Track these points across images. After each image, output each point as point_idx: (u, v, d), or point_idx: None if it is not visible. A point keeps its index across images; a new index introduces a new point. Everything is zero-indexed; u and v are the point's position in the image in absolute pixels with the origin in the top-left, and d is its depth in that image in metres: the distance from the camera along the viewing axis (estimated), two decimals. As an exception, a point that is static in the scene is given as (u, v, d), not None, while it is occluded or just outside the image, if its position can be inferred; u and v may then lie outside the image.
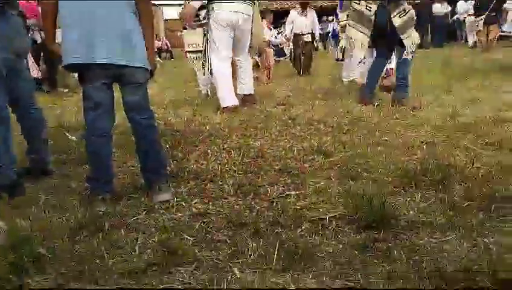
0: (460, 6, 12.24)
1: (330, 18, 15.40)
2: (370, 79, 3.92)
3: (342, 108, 3.66)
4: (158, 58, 14.23)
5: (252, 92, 4.06)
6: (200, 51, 4.03)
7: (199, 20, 3.90)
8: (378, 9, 3.61)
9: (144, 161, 1.90)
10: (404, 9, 3.59)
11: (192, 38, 4.31)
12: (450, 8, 12.50)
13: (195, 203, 1.78)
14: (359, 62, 4.83)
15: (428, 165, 2.03)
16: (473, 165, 2.05)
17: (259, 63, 6.27)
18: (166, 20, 21.48)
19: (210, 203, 1.78)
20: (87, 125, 1.82)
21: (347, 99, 4.05)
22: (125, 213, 1.70)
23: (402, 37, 3.62)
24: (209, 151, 2.53)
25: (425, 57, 7.86)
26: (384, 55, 3.93)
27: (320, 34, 8.69)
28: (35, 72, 5.21)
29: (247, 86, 4.03)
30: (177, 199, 1.82)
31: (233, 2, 3.59)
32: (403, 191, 1.85)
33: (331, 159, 2.29)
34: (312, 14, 7.22)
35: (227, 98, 3.76)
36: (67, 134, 3.02)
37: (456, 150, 2.36)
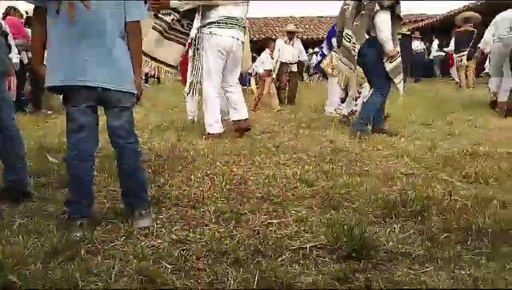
0: (436, 44, 13.04)
1: (315, 50, 15.92)
2: (363, 113, 3.90)
3: (325, 138, 3.73)
4: (145, 84, 14.30)
5: (246, 117, 3.90)
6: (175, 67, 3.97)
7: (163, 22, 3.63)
8: (366, 49, 3.72)
9: (126, 186, 1.88)
10: (393, 56, 3.72)
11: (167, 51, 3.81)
12: (425, 46, 13.19)
13: (176, 230, 1.76)
14: (356, 97, 4.87)
15: (407, 196, 2.07)
16: (450, 197, 2.09)
17: (254, 90, 6.29)
18: (155, 46, 21.71)
19: (190, 230, 1.76)
20: (69, 148, 1.79)
21: (330, 130, 4.13)
22: (103, 239, 1.66)
23: (395, 81, 3.78)
24: (192, 177, 2.52)
25: (406, 91, 8.13)
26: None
27: (304, 64, 8.84)
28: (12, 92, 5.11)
29: (242, 111, 3.88)
30: (157, 225, 1.79)
31: (231, 28, 3.63)
32: (383, 221, 1.87)
33: (313, 188, 2.31)
34: (298, 44, 7.32)
35: (214, 125, 3.77)
36: (48, 156, 2.97)
37: (434, 182, 2.41)
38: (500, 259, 1.48)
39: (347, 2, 4.01)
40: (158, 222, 1.83)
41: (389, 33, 3.59)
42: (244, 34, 3.83)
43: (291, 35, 7.17)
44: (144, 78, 15.01)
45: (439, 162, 2.84)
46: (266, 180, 2.45)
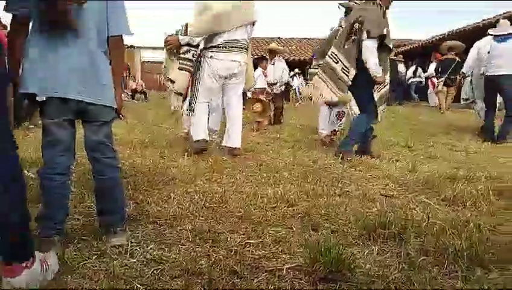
0: (412, 69, 13.62)
1: (297, 71, 16.38)
2: (351, 135, 3.85)
3: (308, 157, 3.75)
4: (132, 100, 14.25)
5: (237, 146, 3.84)
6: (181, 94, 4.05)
7: (187, 60, 3.85)
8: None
9: (102, 202, 1.84)
10: (380, 84, 3.79)
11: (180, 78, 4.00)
12: (405, 70, 13.61)
13: (151, 248, 1.72)
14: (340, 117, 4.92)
15: (386, 218, 2.07)
16: (428, 219, 2.11)
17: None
18: (143, 62, 21.81)
19: (166, 249, 1.72)
20: (44, 162, 1.75)
21: (313, 150, 4.15)
22: (74, 257, 1.61)
23: (378, 109, 3.86)
24: (171, 194, 2.48)
25: (389, 113, 8.29)
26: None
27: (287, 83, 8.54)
28: None
29: (235, 139, 3.84)
30: (132, 244, 1.75)
31: (231, 52, 3.65)
32: (361, 243, 1.86)
33: (293, 208, 2.30)
34: (280, 64, 7.00)
35: (200, 133, 3.78)
36: (25, 170, 2.89)
37: (413, 204, 2.44)
38: (475, 282, 1.49)
39: (340, 26, 4.06)
40: (133, 240, 1.79)
41: (376, 60, 3.61)
42: (247, 54, 3.85)
43: (272, 54, 6.92)
44: (130, 94, 15.00)
45: (419, 185, 2.88)
46: (247, 199, 2.44)
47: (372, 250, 1.78)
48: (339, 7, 4.27)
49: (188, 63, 3.87)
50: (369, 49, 3.59)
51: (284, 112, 7.21)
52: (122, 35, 1.80)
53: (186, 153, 3.71)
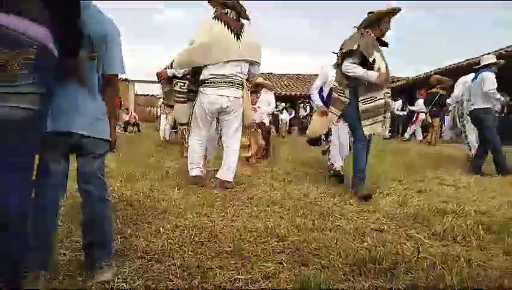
0: (399, 103, 14.14)
1: (284, 104, 16.89)
2: (355, 167, 3.75)
3: (299, 191, 3.75)
4: (125, 132, 14.26)
5: (229, 180, 3.87)
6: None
7: (177, 92, 4.11)
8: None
9: (89, 235, 1.81)
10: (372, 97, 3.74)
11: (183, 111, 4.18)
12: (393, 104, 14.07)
13: (137, 285, 1.68)
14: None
15: (377, 252, 2.07)
16: (419, 254, 2.10)
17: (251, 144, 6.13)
18: (136, 94, 22.05)
19: (153, 285, 1.68)
20: (34, 193, 1.74)
21: (304, 183, 4.16)
22: (58, 294, 1.57)
23: (362, 123, 3.69)
24: (161, 228, 2.45)
25: (378, 147, 8.39)
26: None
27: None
28: None
29: (228, 174, 3.89)
30: (118, 280, 1.71)
31: (218, 86, 3.73)
32: (352, 278, 1.84)
33: (284, 243, 2.28)
34: (266, 96, 6.95)
35: (194, 169, 4.00)
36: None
37: (404, 238, 2.43)
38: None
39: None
40: (120, 276, 1.75)
41: (358, 70, 3.58)
42: (242, 89, 3.89)
43: (259, 88, 6.90)
44: (123, 125, 15.03)
45: (409, 219, 2.88)
46: (237, 233, 2.41)
47: (363, 286, 1.76)
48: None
49: (179, 95, 4.08)
50: (347, 67, 3.61)
51: (269, 146, 7.10)
52: (118, 74, 1.85)
53: (177, 187, 3.70)
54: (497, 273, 1.90)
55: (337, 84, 3.92)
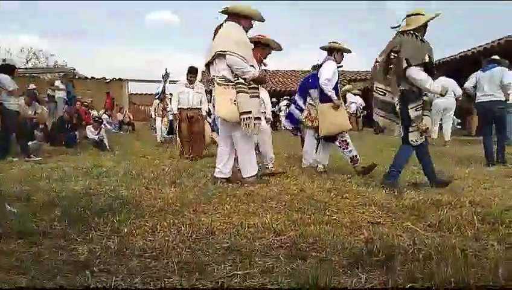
0: None
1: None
2: (395, 164, 3.88)
3: (296, 186, 3.76)
4: (119, 131, 14.21)
5: (244, 175, 4.06)
6: None
7: None
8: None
9: None
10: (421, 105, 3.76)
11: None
12: None
13: (136, 283, 1.68)
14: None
15: (373, 245, 2.08)
16: (414, 246, 2.12)
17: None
18: (130, 94, 21.94)
19: (151, 283, 1.68)
20: None
21: (300, 178, 4.17)
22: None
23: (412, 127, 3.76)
24: (158, 226, 2.45)
25: (375, 141, 8.44)
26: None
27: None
28: None
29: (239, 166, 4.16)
30: (116, 279, 1.70)
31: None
32: (349, 271, 1.85)
33: (281, 237, 2.29)
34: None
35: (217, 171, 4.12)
36: (7, 205, 2.83)
37: (400, 230, 2.45)
38: (462, 309, 1.49)
39: (378, 58, 3.96)
40: (118, 275, 1.74)
41: (425, 81, 3.57)
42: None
43: None
44: (117, 125, 14.97)
45: (405, 211, 2.90)
46: (234, 230, 2.42)
47: (361, 278, 1.77)
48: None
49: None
50: (414, 74, 3.55)
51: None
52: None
53: (172, 185, 3.69)
54: (493, 263, 1.91)
55: (381, 87, 3.84)
